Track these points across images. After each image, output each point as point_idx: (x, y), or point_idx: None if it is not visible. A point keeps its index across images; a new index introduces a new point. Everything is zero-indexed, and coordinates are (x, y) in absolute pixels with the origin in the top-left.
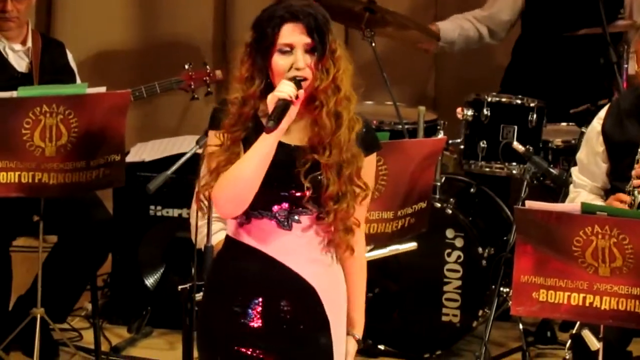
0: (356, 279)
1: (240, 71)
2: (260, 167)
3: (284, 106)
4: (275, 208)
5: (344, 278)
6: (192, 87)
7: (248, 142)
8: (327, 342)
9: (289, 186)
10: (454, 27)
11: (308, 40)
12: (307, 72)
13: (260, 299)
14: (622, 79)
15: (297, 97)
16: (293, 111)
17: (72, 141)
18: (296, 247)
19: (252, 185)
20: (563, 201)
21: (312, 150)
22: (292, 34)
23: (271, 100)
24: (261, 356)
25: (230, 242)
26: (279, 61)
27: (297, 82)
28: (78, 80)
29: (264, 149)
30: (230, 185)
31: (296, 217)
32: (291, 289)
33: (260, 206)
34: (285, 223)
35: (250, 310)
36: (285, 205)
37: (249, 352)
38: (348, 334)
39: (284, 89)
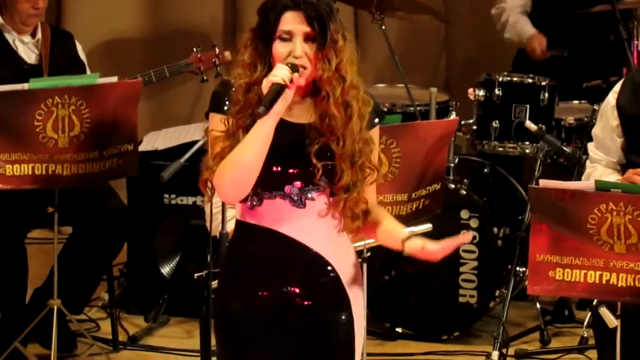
0: (381, 212)
1: (244, 56)
2: (259, 151)
3: (277, 90)
4: (288, 187)
5: (356, 258)
6: (202, 69)
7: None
8: (348, 320)
9: (300, 165)
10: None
11: (307, 29)
12: (304, 60)
13: (279, 279)
14: (633, 55)
15: (291, 80)
16: (289, 95)
17: (85, 132)
18: (311, 224)
19: (252, 170)
20: (577, 179)
21: (320, 130)
22: (292, 21)
23: (266, 84)
24: (282, 336)
25: (242, 226)
26: (278, 48)
27: (294, 66)
28: (88, 71)
29: (261, 132)
30: (231, 171)
31: (309, 195)
32: (309, 266)
33: (272, 186)
34: (299, 201)
35: (268, 292)
36: (298, 183)
37: (269, 332)
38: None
39: (278, 73)
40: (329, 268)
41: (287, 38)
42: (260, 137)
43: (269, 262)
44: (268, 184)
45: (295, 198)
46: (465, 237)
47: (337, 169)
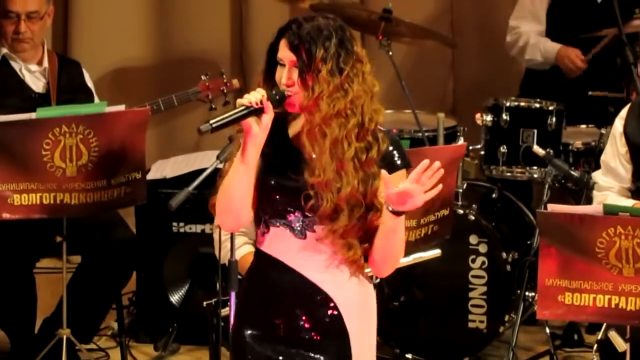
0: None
1: (259, 77)
2: (242, 177)
3: (239, 112)
4: (291, 216)
5: (372, 291)
6: (210, 97)
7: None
8: (345, 354)
9: (297, 194)
10: None
11: (293, 57)
12: (293, 87)
13: (281, 308)
14: (639, 79)
15: (261, 102)
16: (266, 119)
17: (93, 160)
18: (311, 255)
19: (237, 197)
20: (585, 203)
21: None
22: (282, 49)
23: (237, 105)
24: None
25: (256, 252)
26: (277, 72)
27: (279, 92)
28: (96, 99)
29: (242, 158)
30: (221, 198)
31: (310, 226)
32: (307, 297)
33: (277, 215)
34: (300, 232)
35: (274, 320)
36: (298, 213)
37: None
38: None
39: (248, 95)
40: (327, 299)
41: (282, 64)
42: (241, 163)
43: (275, 291)
44: (273, 212)
45: (297, 228)
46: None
47: (319, 197)
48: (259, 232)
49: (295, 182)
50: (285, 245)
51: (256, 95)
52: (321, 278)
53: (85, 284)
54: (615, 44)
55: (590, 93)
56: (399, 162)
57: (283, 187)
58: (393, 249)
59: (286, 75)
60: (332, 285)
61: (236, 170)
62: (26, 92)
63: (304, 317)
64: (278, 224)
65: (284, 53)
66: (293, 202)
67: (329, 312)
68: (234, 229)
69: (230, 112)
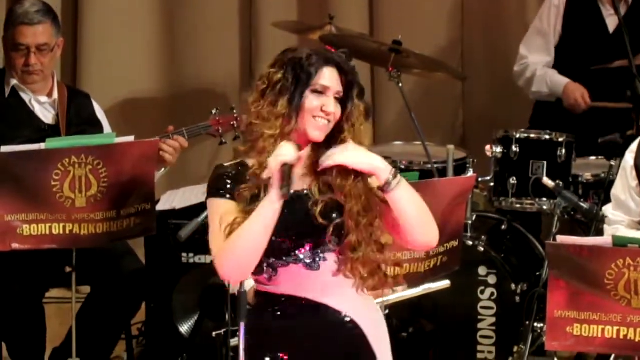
0: None
1: (277, 107)
2: (265, 233)
3: (290, 170)
4: (299, 251)
5: (381, 313)
6: (220, 132)
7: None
8: None
9: (309, 229)
10: None
11: (340, 89)
12: (332, 117)
13: (307, 344)
14: None
15: (299, 158)
16: (296, 173)
17: (102, 191)
18: (329, 285)
19: (257, 253)
20: (594, 235)
21: (329, 186)
22: (329, 78)
23: (275, 165)
24: None
25: (261, 295)
26: (313, 100)
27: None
28: (108, 130)
29: (269, 215)
30: (235, 254)
31: (322, 255)
32: (334, 326)
33: (284, 254)
34: (313, 264)
35: (294, 356)
36: (308, 247)
37: None
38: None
39: (287, 152)
40: (352, 324)
41: (320, 92)
42: (267, 220)
43: (293, 328)
44: (278, 253)
45: (309, 261)
46: None
47: (345, 226)
48: (264, 278)
49: (302, 219)
50: (300, 280)
51: (292, 151)
52: (342, 303)
53: (94, 314)
54: (626, 76)
55: (600, 140)
56: None
57: (288, 228)
58: (415, 214)
59: (333, 105)
60: (354, 309)
61: (258, 226)
62: (36, 123)
63: (333, 347)
64: (287, 262)
65: (332, 83)
66: (302, 237)
67: (355, 335)
68: (238, 281)
69: (285, 173)
